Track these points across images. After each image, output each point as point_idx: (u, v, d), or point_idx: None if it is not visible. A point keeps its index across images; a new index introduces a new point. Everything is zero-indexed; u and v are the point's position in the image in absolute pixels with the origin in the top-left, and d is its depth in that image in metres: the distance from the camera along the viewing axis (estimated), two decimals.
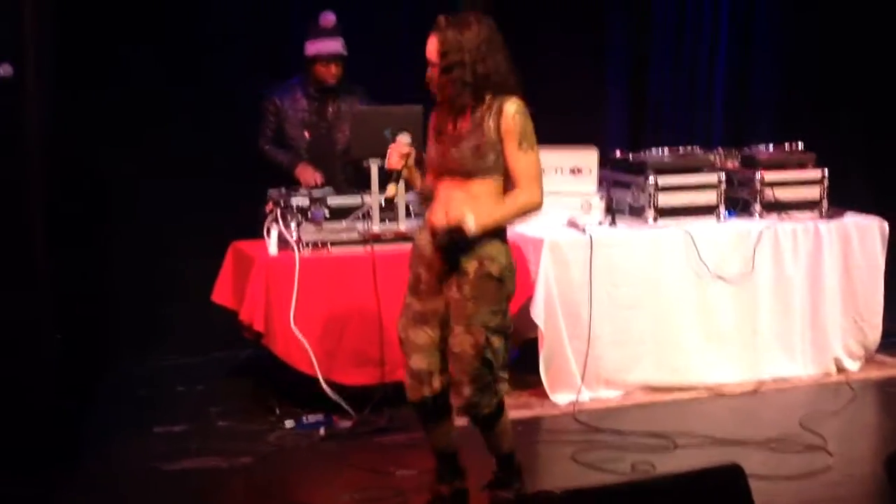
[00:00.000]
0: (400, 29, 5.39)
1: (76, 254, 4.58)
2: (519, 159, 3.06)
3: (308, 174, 4.52)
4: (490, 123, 3.06)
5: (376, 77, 5.06)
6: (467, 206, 3.03)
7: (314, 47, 4.52)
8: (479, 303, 3.05)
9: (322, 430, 4.01)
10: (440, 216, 3.06)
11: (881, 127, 6.19)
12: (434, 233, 3.08)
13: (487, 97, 3.07)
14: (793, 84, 6.20)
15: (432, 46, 3.08)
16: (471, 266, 3.05)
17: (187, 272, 5.10)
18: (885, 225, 4.87)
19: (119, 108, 4.91)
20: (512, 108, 3.06)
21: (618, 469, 3.65)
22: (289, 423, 4.09)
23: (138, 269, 5.07)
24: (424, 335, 3.14)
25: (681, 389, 4.53)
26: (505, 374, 3.16)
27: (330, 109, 4.66)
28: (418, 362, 3.15)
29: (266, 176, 4.62)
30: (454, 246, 3.04)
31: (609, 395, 4.43)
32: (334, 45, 4.51)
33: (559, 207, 4.50)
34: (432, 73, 3.09)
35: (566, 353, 4.34)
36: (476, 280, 3.05)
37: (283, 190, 4.30)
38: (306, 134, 4.63)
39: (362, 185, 4.43)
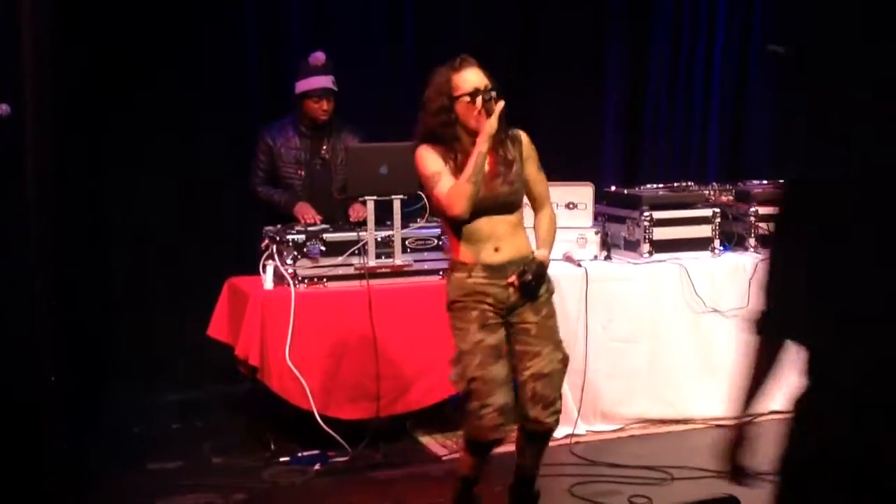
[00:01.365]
0: (398, 68, 5.47)
1: (73, 289, 4.59)
2: (541, 181, 3.35)
3: (308, 212, 4.52)
4: (515, 154, 3.24)
5: (369, 115, 5.11)
6: (520, 237, 3.26)
7: (304, 84, 4.57)
8: (555, 320, 3.32)
9: (317, 466, 3.99)
10: (500, 254, 3.18)
11: None
12: (522, 276, 3.18)
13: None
14: (789, 117, 6.27)
15: (478, 77, 3.19)
16: (541, 288, 3.25)
17: (183, 307, 5.13)
18: None
19: (118, 146, 4.96)
20: (524, 135, 3.30)
21: (615, 502, 3.62)
22: (284, 459, 4.07)
23: (134, 305, 5.09)
24: (503, 369, 3.20)
25: (677, 422, 4.52)
26: None
27: (324, 147, 4.67)
28: (504, 397, 3.17)
29: (261, 214, 4.64)
30: (539, 281, 3.22)
31: (606, 429, 4.42)
32: (324, 81, 4.56)
33: (555, 242, 4.51)
34: (471, 104, 3.15)
35: (563, 387, 4.32)
36: (548, 300, 3.30)
37: (279, 226, 4.32)
38: (301, 172, 4.64)
39: (360, 223, 4.47)
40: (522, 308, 3.24)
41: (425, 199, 4.31)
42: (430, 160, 3.20)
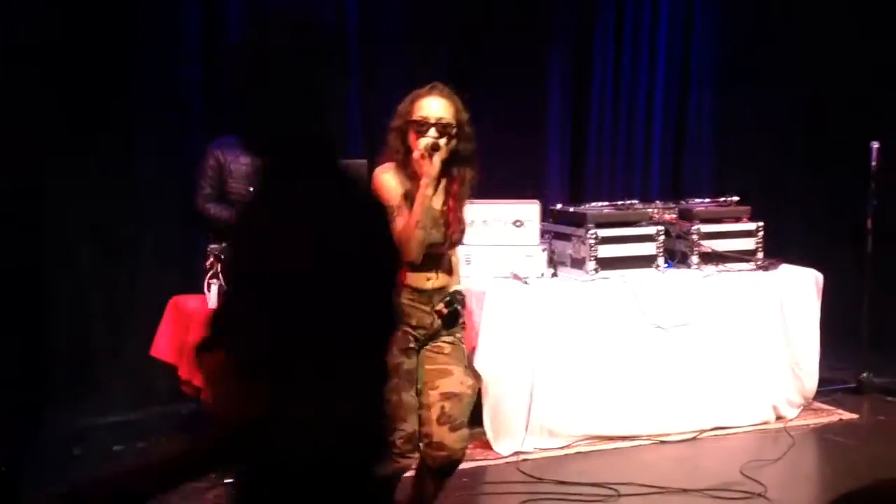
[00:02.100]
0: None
1: (8, 310, 4.49)
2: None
3: None
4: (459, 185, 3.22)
5: None
6: (450, 266, 3.26)
7: None
8: (464, 348, 3.29)
9: None
10: (431, 282, 3.18)
11: (817, 182, 6.39)
12: (450, 305, 3.18)
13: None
14: (729, 138, 6.40)
15: (440, 108, 3.14)
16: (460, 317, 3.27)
17: (125, 327, 5.04)
18: (820, 276, 4.99)
19: (53, 162, 4.86)
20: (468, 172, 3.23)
21: None
22: (229, 480, 4.00)
23: (73, 325, 4.98)
24: (414, 399, 3.16)
25: (623, 439, 4.55)
26: None
27: None
28: (413, 425, 3.13)
29: (205, 231, 4.58)
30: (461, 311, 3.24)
31: (552, 445, 4.44)
32: None
33: (501, 260, 4.55)
34: (439, 137, 3.11)
35: (509, 404, 4.34)
36: (461, 328, 3.28)
37: (224, 244, 4.27)
38: (251, 189, 4.59)
39: None
40: (440, 333, 3.23)
41: None
42: (387, 189, 3.13)
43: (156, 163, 5.08)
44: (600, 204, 5.08)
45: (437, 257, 3.21)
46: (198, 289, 4.20)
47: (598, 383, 4.53)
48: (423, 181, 3.08)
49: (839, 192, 6.04)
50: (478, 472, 4.15)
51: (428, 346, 3.22)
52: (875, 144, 5.31)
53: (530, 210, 4.69)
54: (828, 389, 5.24)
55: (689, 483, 4.02)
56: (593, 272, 4.65)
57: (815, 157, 6.40)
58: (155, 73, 5.10)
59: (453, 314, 3.19)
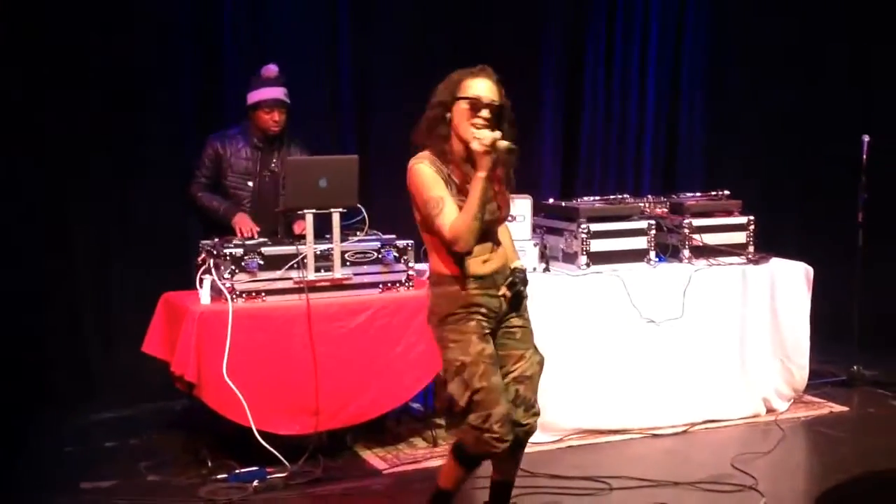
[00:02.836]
0: (335, 83, 5.47)
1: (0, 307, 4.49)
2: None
3: (246, 224, 4.48)
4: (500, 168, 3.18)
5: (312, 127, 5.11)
6: (503, 245, 3.25)
7: (257, 95, 4.54)
8: (530, 324, 3.32)
9: (255, 482, 3.94)
10: (488, 265, 3.16)
11: (807, 176, 6.42)
12: (513, 287, 3.18)
13: None
14: (720, 134, 6.42)
15: (489, 89, 3.10)
16: (525, 294, 3.29)
17: (117, 323, 5.04)
18: (811, 270, 5.01)
19: (45, 160, 4.86)
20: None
21: None
22: (221, 476, 4.01)
23: (64, 322, 4.98)
24: (501, 379, 3.18)
25: (615, 432, 4.57)
26: None
27: (274, 160, 4.63)
28: (506, 407, 3.13)
29: (195, 222, 4.57)
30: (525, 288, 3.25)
31: (545, 440, 4.44)
32: (277, 93, 4.54)
33: None
34: (466, 111, 3.06)
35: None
36: (526, 305, 3.30)
37: (216, 240, 4.27)
38: (250, 184, 4.60)
39: (297, 236, 4.44)
40: (510, 314, 3.25)
41: (364, 213, 4.32)
42: (428, 179, 3.08)
43: (149, 161, 5.08)
44: (592, 198, 5.09)
45: (489, 236, 3.18)
46: (190, 285, 4.20)
47: (590, 377, 4.54)
48: (481, 174, 3.01)
49: (830, 186, 6.07)
50: None
51: (501, 327, 3.24)
52: (866, 138, 5.33)
53: (522, 204, 4.69)
54: (818, 382, 5.27)
55: (680, 476, 4.04)
56: (585, 266, 4.66)
57: (806, 151, 6.43)
58: (154, 76, 5.09)
59: (518, 296, 3.19)
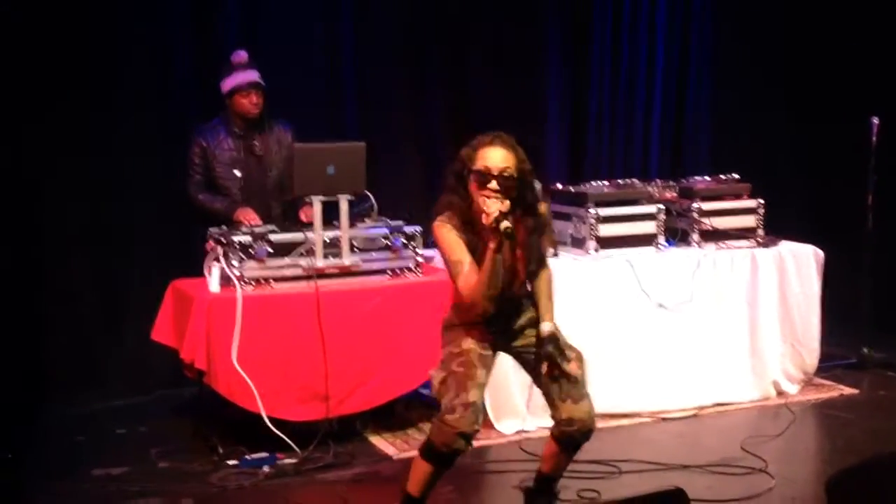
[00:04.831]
0: (335, 75, 5.45)
1: (8, 296, 4.50)
2: (547, 245, 3.39)
3: (250, 215, 4.49)
4: (532, 229, 3.23)
5: (305, 113, 5.09)
6: (529, 305, 3.30)
7: (231, 81, 4.56)
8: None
9: (266, 468, 3.95)
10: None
11: (817, 158, 6.38)
12: (548, 358, 3.21)
13: None
14: (728, 115, 6.38)
15: (501, 158, 3.10)
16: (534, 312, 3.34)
17: (125, 311, 5.04)
18: (821, 253, 4.99)
19: (47, 147, 4.85)
20: (543, 207, 3.31)
21: (564, 497, 3.64)
22: (232, 462, 4.03)
23: (74, 311, 4.99)
24: (485, 377, 3.20)
25: (624, 416, 4.57)
26: None
27: (257, 145, 4.64)
28: (478, 397, 3.14)
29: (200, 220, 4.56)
30: (558, 346, 3.25)
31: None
32: (251, 76, 4.56)
33: None
34: (493, 188, 3.08)
35: (511, 383, 4.35)
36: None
37: (224, 227, 4.27)
38: (237, 172, 4.60)
39: (296, 221, 4.44)
40: (523, 331, 3.30)
41: (373, 200, 4.32)
42: (450, 243, 3.13)
43: (153, 147, 5.07)
44: (601, 183, 5.07)
45: (515, 300, 3.26)
46: (198, 272, 4.20)
47: (600, 361, 4.49)
48: (492, 247, 3.04)
49: (840, 168, 6.03)
50: (480, 452, 4.15)
51: (518, 345, 3.31)
52: (875, 120, 5.29)
53: None
54: (828, 365, 5.25)
55: (690, 459, 4.03)
56: (594, 251, 4.65)
57: (815, 132, 6.38)
58: (150, 59, 5.08)
59: (551, 357, 3.19)
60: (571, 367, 3.24)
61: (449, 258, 3.16)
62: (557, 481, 3.48)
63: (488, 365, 3.24)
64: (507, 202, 3.08)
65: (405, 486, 3.25)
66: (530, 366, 3.32)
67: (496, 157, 3.11)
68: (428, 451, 3.19)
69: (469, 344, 3.20)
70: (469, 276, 3.11)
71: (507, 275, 3.17)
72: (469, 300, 3.12)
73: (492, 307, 3.14)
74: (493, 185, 3.09)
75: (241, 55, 4.59)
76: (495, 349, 3.29)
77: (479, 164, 3.12)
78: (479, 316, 3.18)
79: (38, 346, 4.81)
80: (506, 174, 3.10)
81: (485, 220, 3.05)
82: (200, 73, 5.07)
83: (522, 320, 3.31)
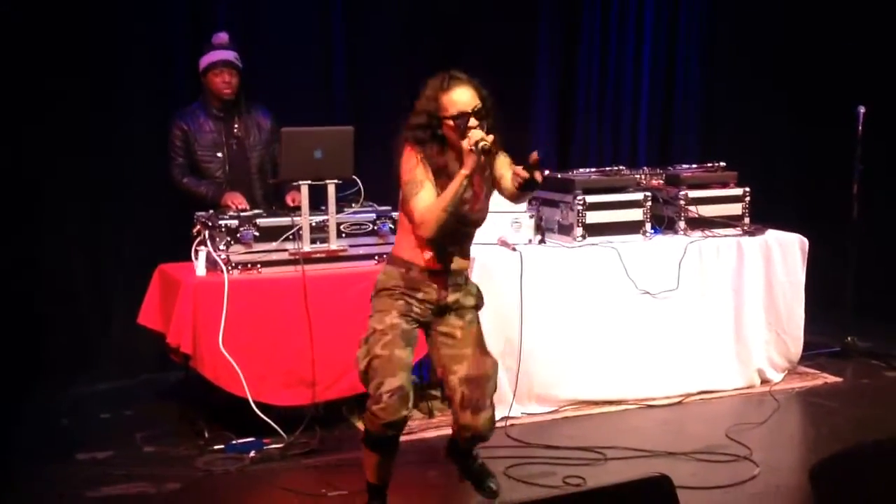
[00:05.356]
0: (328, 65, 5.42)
1: (7, 291, 4.47)
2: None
3: (237, 199, 4.47)
4: (489, 169, 3.22)
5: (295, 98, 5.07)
6: (467, 249, 3.29)
7: (207, 59, 4.57)
8: (480, 328, 3.33)
9: (252, 453, 3.95)
10: (445, 263, 3.20)
11: (803, 147, 6.40)
12: (529, 168, 3.03)
13: None
14: (716, 105, 6.39)
15: (467, 96, 3.12)
16: (469, 301, 3.30)
17: (111, 295, 5.02)
18: (806, 241, 5.01)
19: (37, 132, 4.82)
20: (502, 154, 3.26)
21: (549, 483, 3.67)
22: (218, 447, 4.02)
23: (58, 294, 4.96)
24: (409, 356, 3.18)
25: (610, 403, 4.59)
26: None
27: (235, 126, 4.63)
28: (404, 381, 3.13)
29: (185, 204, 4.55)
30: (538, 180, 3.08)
31: (540, 411, 4.47)
32: (226, 55, 4.56)
33: (490, 226, 4.51)
34: (474, 125, 3.09)
35: (498, 376, 4.34)
36: (473, 308, 3.31)
37: (211, 211, 4.25)
38: (219, 154, 4.59)
39: (280, 203, 4.43)
40: (448, 315, 3.26)
41: (360, 185, 4.30)
42: (414, 165, 3.12)
43: (139, 133, 5.05)
44: (588, 170, 5.07)
45: (462, 236, 3.23)
46: (184, 256, 4.18)
47: (586, 349, 4.55)
48: (464, 171, 3.05)
49: (825, 157, 6.06)
50: None
51: (439, 329, 3.26)
52: (861, 109, 5.31)
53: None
54: (813, 353, 5.29)
55: (675, 446, 4.06)
56: (581, 238, 4.66)
57: (800, 122, 6.41)
58: (150, 59, 5.07)
59: (531, 183, 3.07)
60: (480, 369, 3.24)
61: (411, 178, 3.10)
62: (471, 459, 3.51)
63: (412, 342, 3.21)
64: (490, 135, 3.10)
65: (367, 478, 3.31)
66: (438, 353, 3.28)
67: (465, 97, 3.12)
68: (367, 440, 3.23)
69: (393, 318, 3.17)
70: (427, 195, 3.09)
71: (468, 200, 3.16)
72: (419, 217, 3.08)
73: (438, 233, 3.09)
74: (473, 122, 3.11)
75: (222, 36, 4.59)
76: (419, 323, 3.25)
77: (453, 110, 3.11)
78: (421, 244, 3.14)
79: (25, 329, 4.78)
80: (477, 108, 3.13)
81: (466, 144, 3.06)
82: (196, 56, 5.04)
83: (456, 296, 3.25)
